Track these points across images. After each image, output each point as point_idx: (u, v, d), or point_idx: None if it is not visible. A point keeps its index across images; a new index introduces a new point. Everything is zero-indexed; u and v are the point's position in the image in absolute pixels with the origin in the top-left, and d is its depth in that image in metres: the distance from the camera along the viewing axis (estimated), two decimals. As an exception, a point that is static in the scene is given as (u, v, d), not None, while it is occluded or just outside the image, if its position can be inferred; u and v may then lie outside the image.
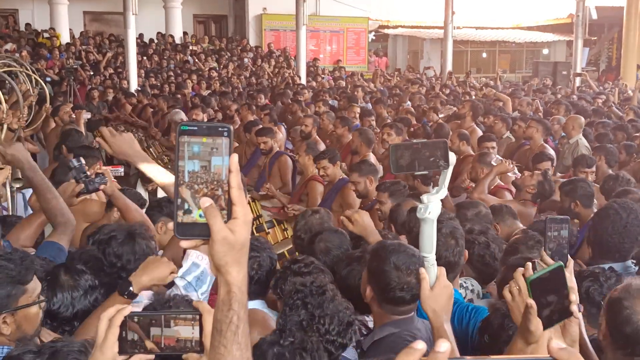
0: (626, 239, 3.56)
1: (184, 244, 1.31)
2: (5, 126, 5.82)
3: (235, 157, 1.29)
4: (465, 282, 3.45)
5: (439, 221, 3.07)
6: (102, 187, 3.61)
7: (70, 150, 6.39)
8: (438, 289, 2.19)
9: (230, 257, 1.28)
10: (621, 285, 2.44)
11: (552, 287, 2.02)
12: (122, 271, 3.05)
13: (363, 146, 7.05)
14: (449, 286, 2.22)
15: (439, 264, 2.96)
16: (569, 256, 2.74)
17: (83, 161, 3.70)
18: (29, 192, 5.91)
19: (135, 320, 1.59)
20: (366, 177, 5.56)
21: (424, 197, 2.21)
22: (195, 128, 1.28)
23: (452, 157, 2.16)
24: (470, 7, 25.07)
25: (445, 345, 1.01)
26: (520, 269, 2.15)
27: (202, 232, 1.28)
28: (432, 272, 2.20)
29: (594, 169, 6.13)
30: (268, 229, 6.16)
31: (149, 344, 1.58)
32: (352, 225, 3.41)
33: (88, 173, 3.60)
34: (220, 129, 1.29)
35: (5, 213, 4.77)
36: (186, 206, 1.28)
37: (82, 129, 8.14)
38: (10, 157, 3.30)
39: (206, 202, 1.25)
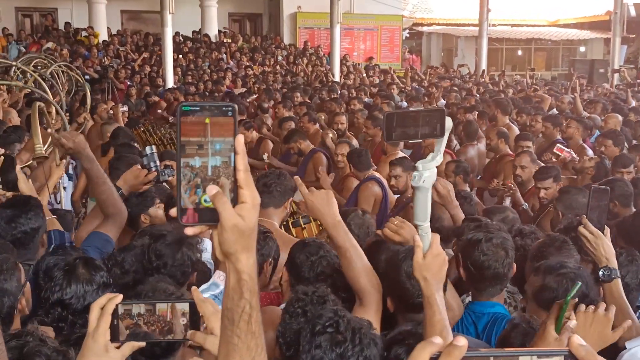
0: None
1: (188, 230, 1.25)
2: (52, 130, 5.97)
3: (240, 137, 1.23)
4: (508, 299, 3.29)
5: (489, 231, 3.01)
6: (170, 178, 3.64)
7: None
8: (430, 257, 2.17)
9: (240, 245, 1.23)
10: None
11: None
12: (155, 271, 3.05)
13: (388, 145, 7.04)
14: (441, 254, 2.20)
15: (488, 274, 2.93)
16: (605, 226, 2.91)
17: (155, 150, 3.73)
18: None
19: (129, 308, 1.65)
20: (408, 173, 5.59)
21: (419, 165, 2.15)
22: (198, 108, 1.23)
23: (449, 122, 2.10)
24: (505, 4, 24.85)
25: (463, 341, 1.02)
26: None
27: (207, 218, 1.23)
28: (425, 241, 2.18)
29: (630, 169, 5.87)
30: (304, 224, 6.21)
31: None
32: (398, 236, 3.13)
33: (158, 163, 3.63)
34: (224, 108, 1.23)
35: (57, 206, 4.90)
36: (190, 191, 1.22)
37: (122, 124, 8.27)
38: (72, 145, 3.37)
39: (213, 189, 1.20)
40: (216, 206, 1.20)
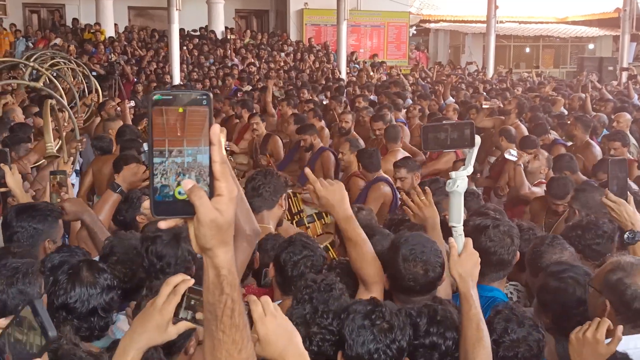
0: None
1: (162, 224, 1.22)
2: (64, 133, 5.98)
3: (216, 127, 1.19)
4: (510, 293, 3.34)
5: (497, 219, 3.19)
6: None
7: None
8: (464, 255, 2.38)
9: (217, 239, 1.21)
10: (611, 265, 2.57)
11: None
12: (160, 273, 2.98)
13: (389, 143, 7.08)
14: (475, 254, 2.40)
15: (493, 260, 3.04)
16: (628, 193, 3.20)
17: None
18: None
19: (196, 292, 1.68)
20: (413, 174, 5.59)
21: (453, 174, 2.46)
22: (171, 97, 1.17)
23: (478, 139, 2.39)
24: (513, 1, 24.75)
25: None
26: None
27: (181, 210, 1.19)
28: (459, 241, 2.42)
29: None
30: (308, 223, 6.19)
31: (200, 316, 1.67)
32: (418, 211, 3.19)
33: None
34: (199, 97, 1.19)
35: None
36: (163, 182, 1.18)
37: (129, 120, 8.27)
38: (68, 210, 3.47)
39: (189, 183, 1.17)
40: (192, 200, 1.17)
